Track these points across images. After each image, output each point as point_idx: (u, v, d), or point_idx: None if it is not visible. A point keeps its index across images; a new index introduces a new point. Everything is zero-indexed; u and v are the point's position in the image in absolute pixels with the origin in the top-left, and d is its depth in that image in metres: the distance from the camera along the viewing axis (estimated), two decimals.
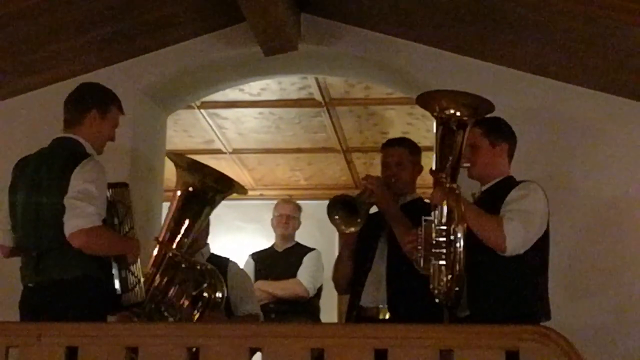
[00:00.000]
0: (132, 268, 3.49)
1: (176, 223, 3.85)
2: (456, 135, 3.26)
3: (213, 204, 3.93)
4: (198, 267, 3.88)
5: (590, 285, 4.22)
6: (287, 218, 5.41)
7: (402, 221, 3.75)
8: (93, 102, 3.52)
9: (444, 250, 3.23)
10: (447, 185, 3.23)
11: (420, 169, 4.06)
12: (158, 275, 3.73)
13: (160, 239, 3.81)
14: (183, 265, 3.81)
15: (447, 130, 3.27)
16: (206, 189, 3.87)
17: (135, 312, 3.59)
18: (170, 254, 3.77)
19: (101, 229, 3.31)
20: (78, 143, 3.46)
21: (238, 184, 4.05)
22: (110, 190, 3.49)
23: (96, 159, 3.45)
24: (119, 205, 3.49)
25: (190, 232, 3.85)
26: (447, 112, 3.25)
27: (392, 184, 3.88)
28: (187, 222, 3.85)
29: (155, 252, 3.81)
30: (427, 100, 3.34)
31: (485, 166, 3.50)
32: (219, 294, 3.85)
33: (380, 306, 3.81)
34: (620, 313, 4.16)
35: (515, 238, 3.22)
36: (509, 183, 3.46)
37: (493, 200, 3.39)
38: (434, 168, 3.30)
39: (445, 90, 3.44)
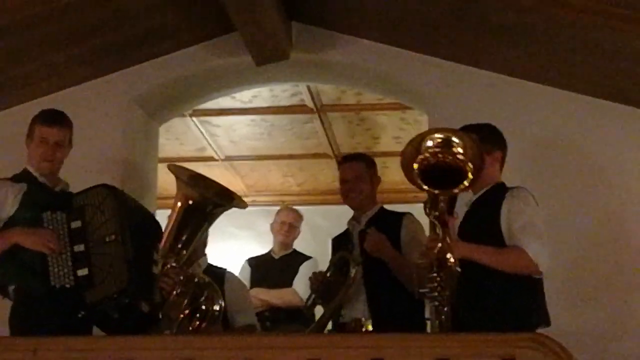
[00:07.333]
0: (97, 262, 3.41)
1: (175, 235, 3.88)
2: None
3: (212, 218, 3.95)
4: (196, 280, 3.87)
5: (587, 292, 4.22)
6: (289, 226, 5.41)
7: (401, 262, 3.78)
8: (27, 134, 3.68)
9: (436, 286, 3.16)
10: (447, 240, 3.15)
11: (378, 180, 4.15)
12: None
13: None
14: (181, 278, 3.81)
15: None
16: (206, 202, 3.89)
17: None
18: (168, 266, 3.78)
19: None
20: (26, 172, 3.63)
21: (238, 197, 4.05)
22: (77, 197, 3.54)
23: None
24: (87, 209, 3.49)
25: (189, 245, 3.88)
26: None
27: (353, 199, 4.01)
28: (185, 234, 3.88)
29: None
30: None
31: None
32: (216, 307, 3.85)
33: (363, 319, 3.84)
34: (616, 319, 4.16)
35: (542, 257, 3.23)
36: (501, 190, 3.41)
37: (484, 208, 3.38)
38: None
39: None
